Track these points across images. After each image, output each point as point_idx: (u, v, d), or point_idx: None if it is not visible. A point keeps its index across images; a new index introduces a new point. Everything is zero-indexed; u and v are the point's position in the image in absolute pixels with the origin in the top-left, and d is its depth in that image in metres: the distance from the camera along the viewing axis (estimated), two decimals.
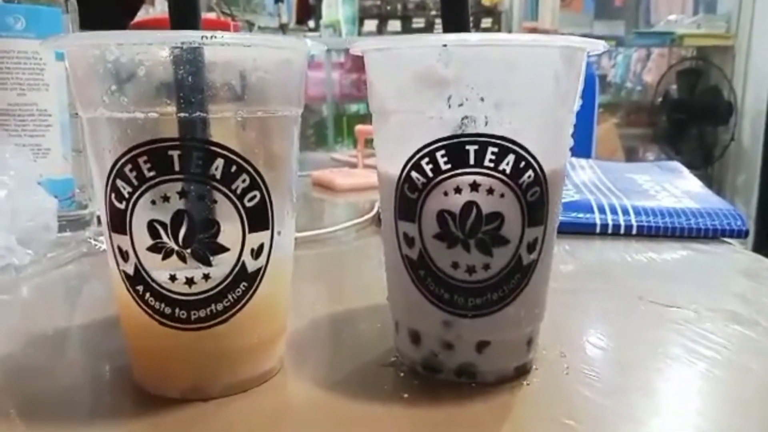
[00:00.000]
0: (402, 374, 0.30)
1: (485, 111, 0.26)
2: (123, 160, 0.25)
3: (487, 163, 0.26)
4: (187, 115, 0.25)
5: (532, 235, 0.27)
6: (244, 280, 0.27)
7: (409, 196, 0.27)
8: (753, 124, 2.44)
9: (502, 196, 0.26)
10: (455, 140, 0.26)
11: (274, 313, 0.29)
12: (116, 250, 0.27)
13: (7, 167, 0.46)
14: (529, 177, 0.26)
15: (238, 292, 0.27)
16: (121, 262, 0.27)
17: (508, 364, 0.29)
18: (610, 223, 0.58)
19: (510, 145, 0.26)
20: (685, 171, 0.76)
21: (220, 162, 0.25)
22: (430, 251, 0.27)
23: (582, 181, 0.70)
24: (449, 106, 0.26)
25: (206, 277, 0.26)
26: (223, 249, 0.26)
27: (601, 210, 0.59)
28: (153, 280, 0.26)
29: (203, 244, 0.26)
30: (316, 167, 0.90)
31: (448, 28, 0.28)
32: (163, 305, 0.26)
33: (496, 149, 0.26)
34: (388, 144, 0.29)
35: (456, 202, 0.27)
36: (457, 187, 0.26)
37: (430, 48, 0.25)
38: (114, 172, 0.25)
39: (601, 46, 0.27)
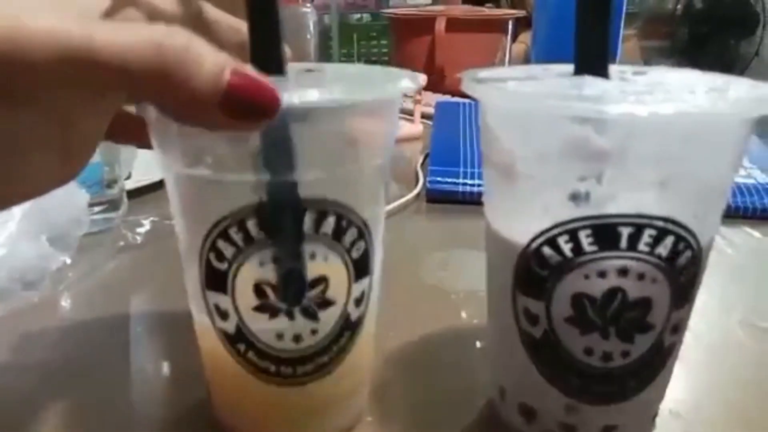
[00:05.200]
0: None
1: (647, 188, 0.21)
2: (228, 222, 0.22)
3: (641, 247, 0.22)
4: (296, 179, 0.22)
5: (678, 317, 0.24)
6: (348, 329, 0.25)
7: (537, 272, 0.23)
8: None
9: (653, 281, 0.22)
10: (606, 220, 0.22)
11: (368, 354, 0.28)
12: (212, 308, 0.24)
13: None
14: (686, 258, 0.22)
15: (342, 341, 0.25)
16: (219, 321, 0.24)
17: None
18: None
19: (671, 227, 0.22)
20: None
21: (331, 219, 0.23)
22: (560, 334, 0.24)
23: None
24: (601, 182, 0.21)
25: (314, 332, 0.25)
26: (331, 303, 0.24)
27: None
28: (257, 340, 0.24)
29: (312, 300, 0.24)
30: None
31: (584, 65, 0.23)
32: (267, 363, 0.25)
33: (654, 232, 0.22)
34: (512, 207, 0.25)
35: (598, 287, 0.23)
36: (601, 271, 0.22)
37: (585, 117, 0.20)
38: (215, 233, 0.23)
39: None
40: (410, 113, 0.82)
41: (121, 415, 0.29)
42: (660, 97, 0.21)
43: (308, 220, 0.23)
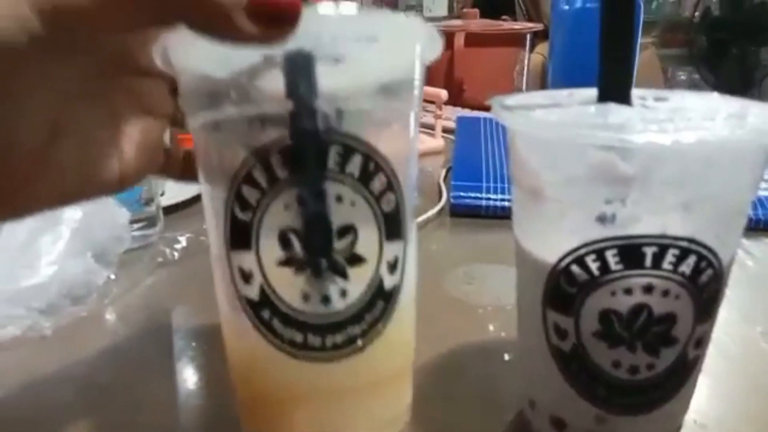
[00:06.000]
0: None
1: (671, 211, 0.23)
2: (252, 162, 0.22)
3: (665, 265, 0.23)
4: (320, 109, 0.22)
5: (701, 331, 0.25)
6: (381, 298, 0.25)
7: (566, 289, 0.25)
8: None
9: (677, 297, 0.24)
10: (631, 241, 0.23)
11: (407, 340, 0.27)
12: (236, 273, 0.24)
13: None
14: (709, 275, 0.24)
15: (376, 313, 0.24)
16: (242, 286, 0.24)
17: None
18: None
19: (694, 246, 0.23)
20: None
21: (357, 159, 0.23)
22: (588, 348, 0.25)
23: None
24: (626, 205, 0.23)
25: (343, 293, 0.24)
26: (361, 260, 0.24)
27: None
28: (282, 302, 0.24)
29: (340, 253, 0.23)
30: None
31: (607, 92, 0.25)
32: (293, 331, 0.24)
33: (677, 251, 0.23)
34: (541, 227, 0.26)
35: (624, 303, 0.24)
36: (627, 288, 0.24)
37: (610, 146, 0.22)
38: (240, 176, 0.23)
39: None
40: (431, 127, 0.84)
41: (163, 427, 0.31)
42: (681, 125, 0.23)
43: (333, 156, 0.22)
